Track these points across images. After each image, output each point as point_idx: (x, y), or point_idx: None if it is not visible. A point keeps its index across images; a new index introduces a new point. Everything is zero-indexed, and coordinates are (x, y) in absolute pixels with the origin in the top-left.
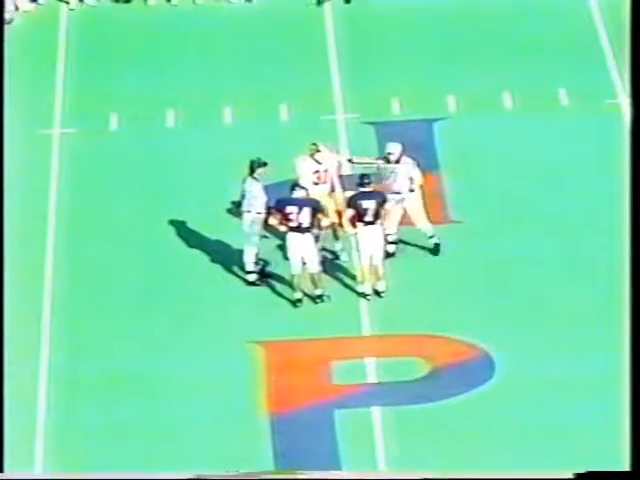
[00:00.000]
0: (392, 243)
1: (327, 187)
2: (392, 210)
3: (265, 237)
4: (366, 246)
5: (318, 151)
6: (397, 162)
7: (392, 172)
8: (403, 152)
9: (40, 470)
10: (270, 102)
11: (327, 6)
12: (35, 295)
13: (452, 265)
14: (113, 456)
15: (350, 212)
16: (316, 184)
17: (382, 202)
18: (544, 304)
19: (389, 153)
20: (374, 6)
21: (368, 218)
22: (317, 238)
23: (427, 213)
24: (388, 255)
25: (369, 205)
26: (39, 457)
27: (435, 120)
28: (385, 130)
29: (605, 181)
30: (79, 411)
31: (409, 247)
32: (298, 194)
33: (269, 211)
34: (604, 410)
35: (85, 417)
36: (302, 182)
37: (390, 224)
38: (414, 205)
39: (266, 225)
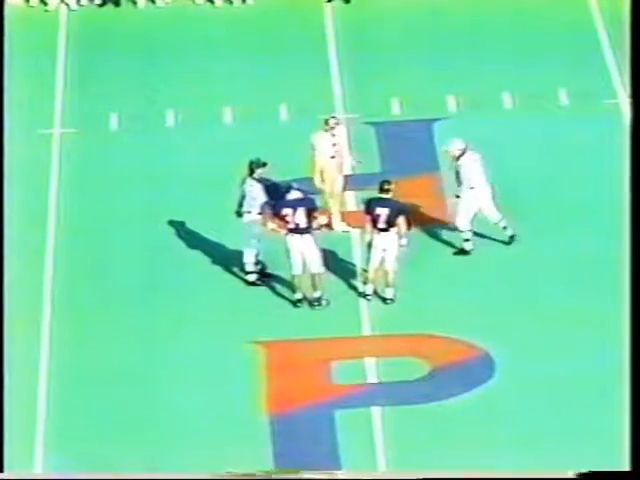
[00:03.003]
0: (466, 240)
1: (340, 161)
2: (465, 205)
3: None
4: (379, 250)
5: (337, 124)
6: (458, 159)
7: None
8: (466, 148)
9: (40, 470)
10: (270, 102)
11: (327, 6)
12: (35, 295)
13: (452, 265)
14: (113, 456)
15: (367, 217)
16: (332, 157)
17: (396, 212)
18: (544, 304)
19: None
20: (374, 6)
21: (380, 225)
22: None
23: (427, 213)
24: (464, 252)
25: (382, 212)
26: (39, 457)
27: (435, 120)
28: (385, 130)
29: (605, 181)
30: (79, 411)
31: (409, 248)
32: (292, 196)
33: (265, 214)
34: (604, 410)
35: (85, 417)
36: (319, 159)
37: (461, 220)
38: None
39: (267, 229)
